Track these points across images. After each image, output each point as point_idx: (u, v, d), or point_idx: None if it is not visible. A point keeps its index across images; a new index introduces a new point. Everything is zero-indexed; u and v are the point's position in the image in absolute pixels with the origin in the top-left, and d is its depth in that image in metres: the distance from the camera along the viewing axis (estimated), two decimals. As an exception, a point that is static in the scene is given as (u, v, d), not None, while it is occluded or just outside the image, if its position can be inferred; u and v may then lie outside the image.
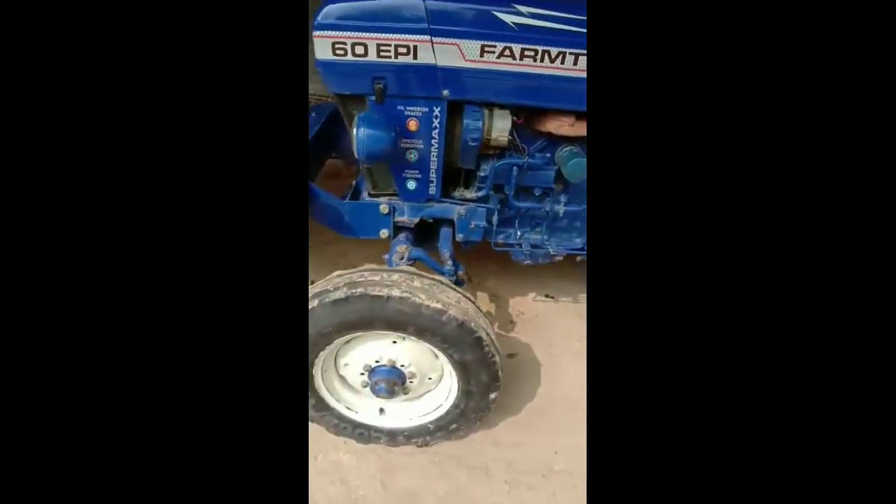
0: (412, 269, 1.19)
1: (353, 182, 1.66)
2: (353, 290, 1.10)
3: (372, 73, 1.22)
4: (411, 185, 1.43)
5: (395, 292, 1.09)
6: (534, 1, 1.17)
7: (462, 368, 1.22)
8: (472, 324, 1.14)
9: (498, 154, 1.43)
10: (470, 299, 1.22)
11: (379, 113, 1.26)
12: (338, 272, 1.21)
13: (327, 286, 1.15)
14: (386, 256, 1.51)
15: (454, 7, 1.16)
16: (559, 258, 1.71)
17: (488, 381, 1.25)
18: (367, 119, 1.21)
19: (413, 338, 1.18)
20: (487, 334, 1.19)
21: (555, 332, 2.01)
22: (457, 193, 1.51)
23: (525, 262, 1.71)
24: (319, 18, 1.16)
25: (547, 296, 2.22)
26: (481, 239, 1.58)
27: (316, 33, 1.17)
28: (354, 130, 1.20)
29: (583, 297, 2.21)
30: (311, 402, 1.32)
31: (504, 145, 1.36)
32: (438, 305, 1.11)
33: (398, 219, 1.50)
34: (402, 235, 1.54)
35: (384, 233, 1.53)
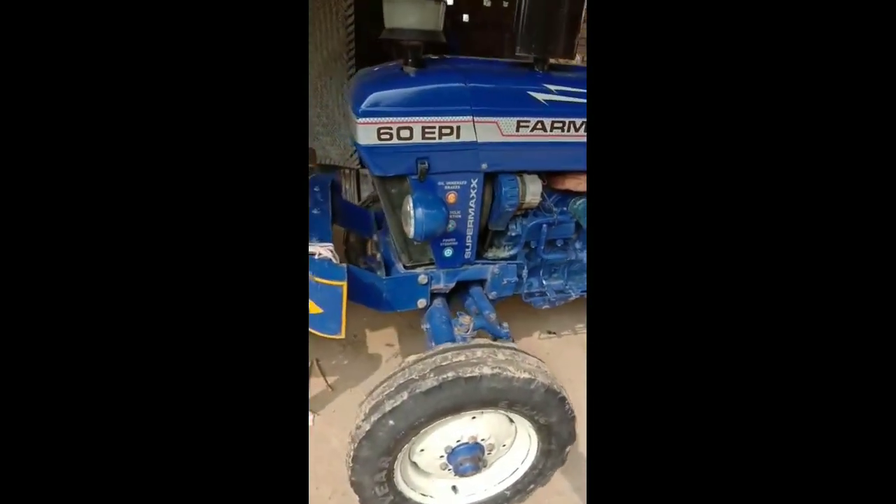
0: (491, 341, 1.20)
1: (377, 256, 1.63)
2: (444, 375, 1.08)
3: (416, 155, 1.24)
4: (448, 252, 1.45)
5: (487, 370, 1.09)
6: (560, 80, 1.29)
7: (546, 430, 1.24)
8: (556, 385, 1.18)
9: (523, 213, 1.52)
10: (541, 360, 1.25)
11: (427, 192, 1.27)
12: (412, 358, 1.17)
13: (411, 375, 1.11)
14: (426, 327, 1.50)
15: (493, 88, 1.24)
16: (573, 298, 1.82)
17: (567, 437, 1.28)
18: (421, 200, 1.22)
19: (501, 411, 1.18)
20: (564, 391, 1.23)
21: (569, 367, 2.10)
22: (490, 254, 1.55)
23: (544, 307, 1.79)
24: (364, 106, 1.16)
25: (549, 332, 2.32)
26: (512, 293, 1.63)
27: (361, 120, 1.17)
28: (411, 212, 1.20)
29: (580, 327, 2.35)
30: (389, 498, 1.23)
31: (534, 206, 1.45)
32: (527, 375, 1.12)
33: (434, 286, 1.50)
34: (438, 302, 1.53)
35: (422, 302, 1.51)
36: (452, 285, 1.52)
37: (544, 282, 1.70)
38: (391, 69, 1.30)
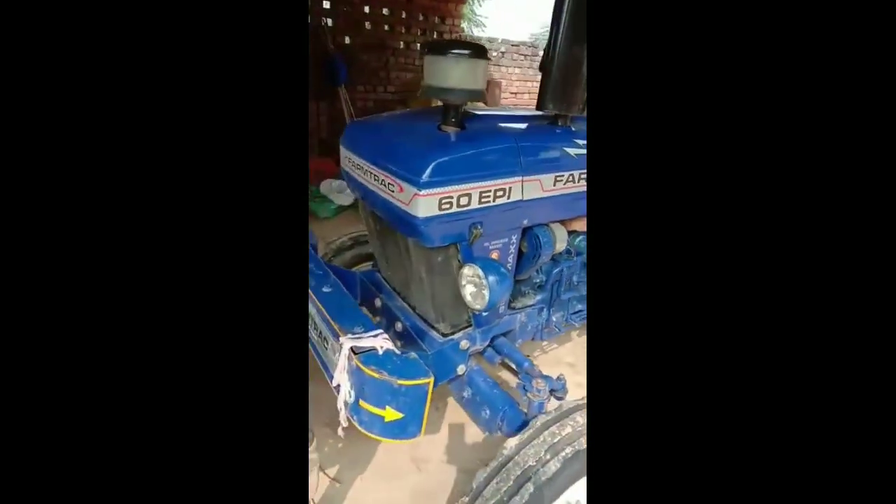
0: (577, 402, 1.18)
1: (398, 325, 1.45)
2: (564, 454, 1.03)
3: (471, 220, 1.16)
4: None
5: (595, 435, 1.08)
6: (583, 135, 1.35)
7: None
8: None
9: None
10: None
11: (488, 258, 1.19)
12: (513, 442, 1.08)
13: (527, 463, 1.03)
14: (467, 394, 1.40)
15: (539, 147, 1.23)
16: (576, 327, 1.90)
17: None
18: (490, 268, 1.13)
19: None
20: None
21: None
22: (518, 304, 1.53)
23: (545, 340, 1.84)
24: (426, 177, 1.03)
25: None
26: (532, 337, 1.64)
27: (424, 192, 1.04)
28: (485, 282, 1.11)
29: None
30: None
31: (561, 252, 1.48)
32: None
33: (472, 348, 1.41)
34: (472, 364, 1.45)
35: (462, 368, 1.40)
36: (488, 343, 1.46)
37: (553, 318, 1.74)
38: (421, 128, 1.18)
